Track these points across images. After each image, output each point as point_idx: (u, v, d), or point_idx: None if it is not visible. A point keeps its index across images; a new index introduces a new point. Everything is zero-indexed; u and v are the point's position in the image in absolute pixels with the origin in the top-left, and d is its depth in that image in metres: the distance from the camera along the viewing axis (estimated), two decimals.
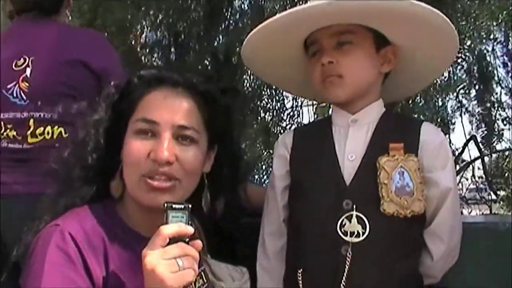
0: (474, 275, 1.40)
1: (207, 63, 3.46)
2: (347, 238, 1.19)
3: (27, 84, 1.76)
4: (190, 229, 1.03)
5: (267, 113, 3.81)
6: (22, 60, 1.79)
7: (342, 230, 1.20)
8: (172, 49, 3.54)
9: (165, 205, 1.05)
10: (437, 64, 1.43)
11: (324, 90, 1.31)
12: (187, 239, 1.03)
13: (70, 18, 2.08)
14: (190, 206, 1.06)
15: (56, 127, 1.75)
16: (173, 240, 1.01)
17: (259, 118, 3.79)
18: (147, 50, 3.55)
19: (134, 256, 1.10)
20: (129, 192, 1.18)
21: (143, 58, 3.59)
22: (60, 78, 1.77)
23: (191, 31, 3.43)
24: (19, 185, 1.69)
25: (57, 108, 1.74)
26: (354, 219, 1.20)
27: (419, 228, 1.27)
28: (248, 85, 3.52)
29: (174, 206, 1.05)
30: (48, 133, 1.74)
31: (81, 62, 1.78)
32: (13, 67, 1.78)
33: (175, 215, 1.04)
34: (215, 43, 3.46)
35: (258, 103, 3.69)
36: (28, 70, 1.77)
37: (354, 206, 1.21)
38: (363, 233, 1.19)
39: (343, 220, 1.21)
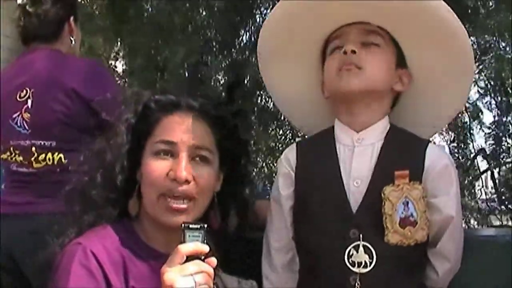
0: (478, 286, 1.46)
1: (223, 79, 3.53)
2: (355, 269, 1.22)
3: (29, 115, 1.93)
4: (206, 248, 1.10)
5: (283, 127, 3.87)
6: (24, 91, 1.94)
7: (350, 260, 1.23)
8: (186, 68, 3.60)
9: (183, 225, 1.11)
10: (448, 100, 1.41)
11: (339, 79, 1.29)
12: (202, 257, 1.09)
13: (73, 43, 2.12)
14: (206, 226, 1.13)
15: (56, 153, 1.90)
16: (190, 258, 1.08)
17: (273, 132, 3.85)
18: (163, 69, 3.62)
19: (152, 271, 1.18)
20: (148, 210, 1.25)
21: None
22: (55, 107, 1.90)
23: (207, 49, 3.49)
24: (28, 205, 1.87)
25: (55, 136, 1.90)
26: (361, 249, 1.23)
27: (422, 250, 1.30)
28: (264, 101, 3.59)
29: (191, 226, 1.12)
30: (49, 159, 1.90)
31: (73, 90, 1.90)
32: (17, 98, 1.94)
33: (192, 235, 1.11)
34: (231, 60, 3.52)
35: (273, 118, 3.75)
36: (30, 102, 1.93)
37: (361, 236, 1.23)
38: (370, 263, 1.22)
39: (350, 250, 1.23)
